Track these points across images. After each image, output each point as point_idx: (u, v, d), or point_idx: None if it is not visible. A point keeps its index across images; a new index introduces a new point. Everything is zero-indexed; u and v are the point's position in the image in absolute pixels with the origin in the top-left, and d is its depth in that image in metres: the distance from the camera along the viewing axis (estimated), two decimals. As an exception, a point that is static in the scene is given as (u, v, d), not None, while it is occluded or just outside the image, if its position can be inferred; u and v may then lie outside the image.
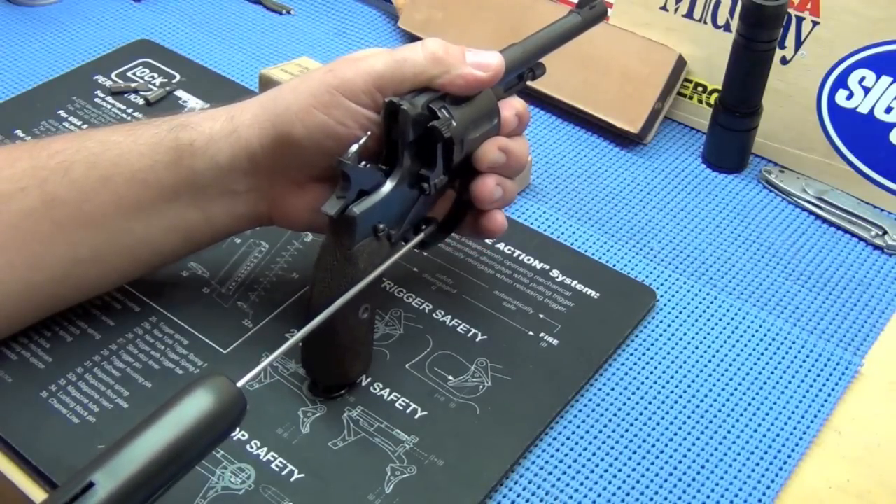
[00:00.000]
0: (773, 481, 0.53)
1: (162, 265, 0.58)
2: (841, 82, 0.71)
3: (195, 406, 0.42)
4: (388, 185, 0.51)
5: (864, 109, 0.71)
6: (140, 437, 0.40)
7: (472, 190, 0.55)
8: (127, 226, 0.53)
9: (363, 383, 0.56)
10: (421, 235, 0.56)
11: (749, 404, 0.57)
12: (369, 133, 0.51)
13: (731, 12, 0.74)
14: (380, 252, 0.52)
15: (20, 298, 0.53)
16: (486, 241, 0.65)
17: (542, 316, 0.60)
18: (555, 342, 0.59)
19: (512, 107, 0.56)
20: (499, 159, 0.55)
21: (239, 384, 0.44)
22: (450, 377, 0.56)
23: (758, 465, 0.54)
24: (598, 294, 0.62)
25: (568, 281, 0.63)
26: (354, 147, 0.50)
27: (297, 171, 0.54)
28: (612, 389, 0.57)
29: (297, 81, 0.54)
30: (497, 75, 0.54)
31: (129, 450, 0.39)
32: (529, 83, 0.60)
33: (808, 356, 0.60)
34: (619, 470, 0.53)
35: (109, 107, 0.77)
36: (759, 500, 0.52)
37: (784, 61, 0.73)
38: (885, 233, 0.69)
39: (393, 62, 0.52)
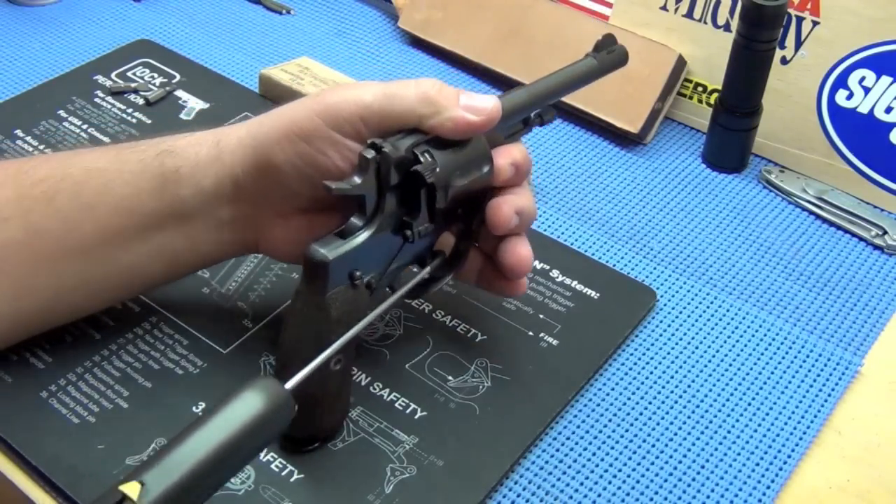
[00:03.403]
0: (773, 481, 0.53)
1: (149, 290, 0.57)
2: (841, 82, 0.71)
3: (244, 408, 0.41)
4: (366, 233, 0.48)
5: (864, 109, 0.71)
6: (189, 439, 0.40)
7: (487, 214, 0.52)
8: (112, 254, 0.52)
9: (363, 383, 0.56)
10: (411, 284, 0.52)
11: (749, 404, 0.57)
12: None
13: (731, 12, 0.74)
14: (356, 301, 0.48)
15: (9, 323, 0.53)
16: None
17: (542, 316, 0.60)
18: (555, 342, 0.59)
19: (509, 154, 0.52)
20: (514, 221, 0.52)
21: (287, 386, 0.43)
22: (450, 377, 0.56)
23: (758, 465, 0.54)
24: (598, 294, 0.62)
25: (568, 281, 0.63)
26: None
27: (282, 200, 0.52)
28: (612, 389, 0.57)
29: (285, 106, 0.52)
30: (491, 121, 0.50)
31: (178, 452, 0.39)
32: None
33: (808, 356, 0.60)
34: (619, 470, 0.53)
35: (109, 107, 0.77)
36: (759, 500, 0.52)
37: (784, 61, 0.73)
38: (885, 233, 0.69)
39: (382, 95, 0.49)
